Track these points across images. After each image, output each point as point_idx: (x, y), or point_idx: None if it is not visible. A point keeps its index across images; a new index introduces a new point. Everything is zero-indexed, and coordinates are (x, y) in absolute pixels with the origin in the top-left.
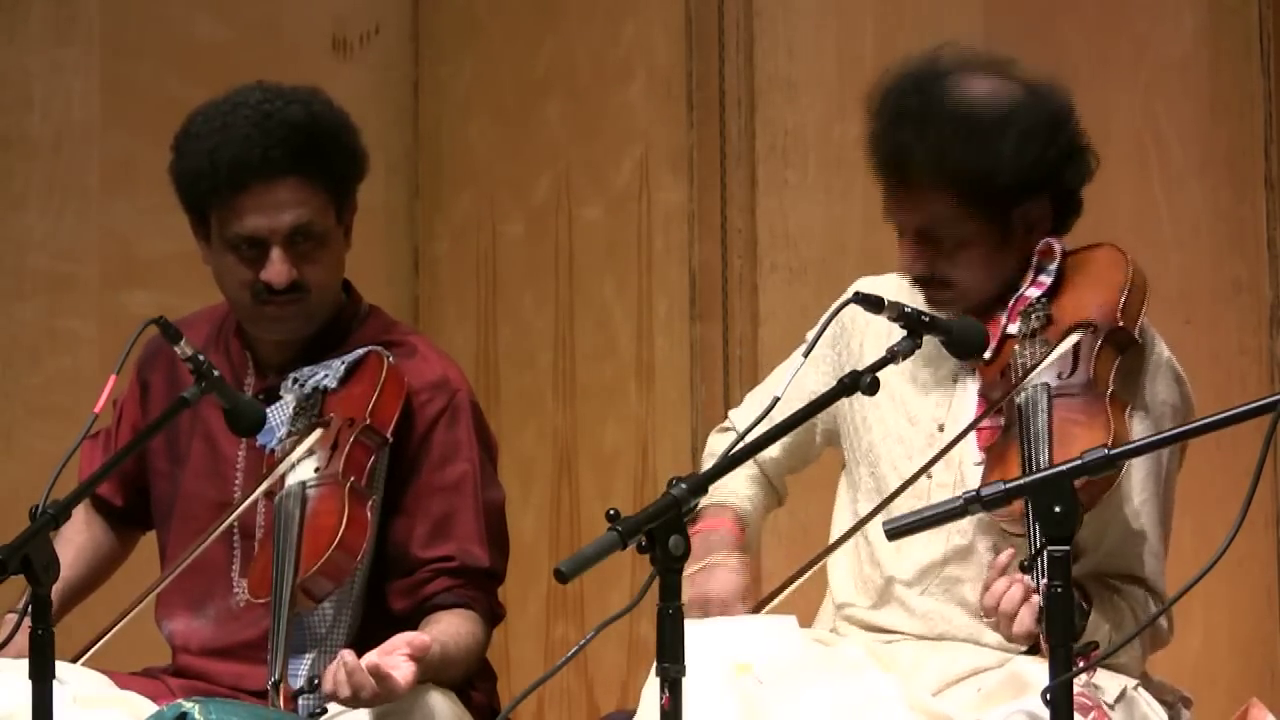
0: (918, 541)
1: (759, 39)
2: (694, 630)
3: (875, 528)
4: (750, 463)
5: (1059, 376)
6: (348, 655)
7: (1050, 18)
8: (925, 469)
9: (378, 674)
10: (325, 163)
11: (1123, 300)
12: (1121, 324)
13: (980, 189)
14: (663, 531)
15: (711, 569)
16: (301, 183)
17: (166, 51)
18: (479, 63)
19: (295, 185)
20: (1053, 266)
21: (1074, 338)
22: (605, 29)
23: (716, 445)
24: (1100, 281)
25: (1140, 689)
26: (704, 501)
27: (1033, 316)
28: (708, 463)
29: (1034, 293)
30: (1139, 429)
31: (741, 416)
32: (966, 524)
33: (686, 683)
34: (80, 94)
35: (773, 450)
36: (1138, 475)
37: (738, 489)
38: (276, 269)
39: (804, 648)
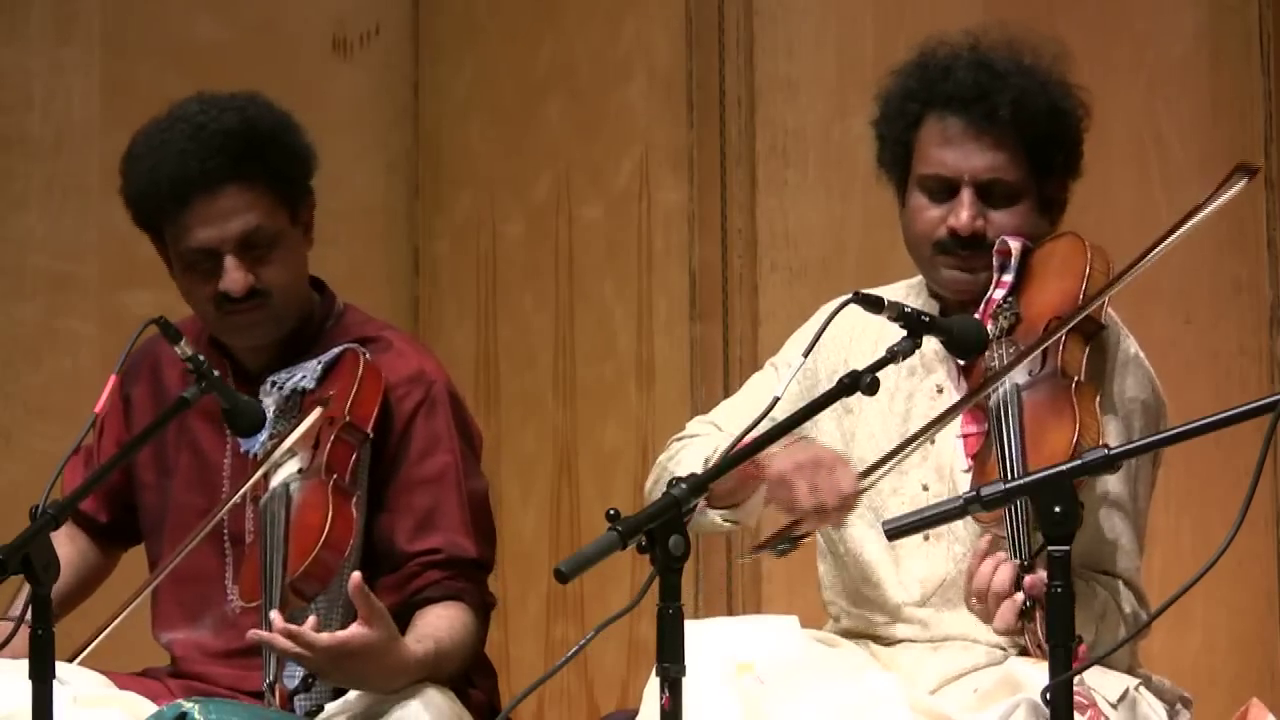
0: (918, 555)
1: (759, 39)
2: (696, 629)
3: (870, 549)
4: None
5: (1029, 374)
6: (251, 633)
7: (1050, 16)
8: (889, 458)
9: (286, 632)
10: (265, 165)
11: (1084, 286)
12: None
13: (1051, 138)
14: (663, 531)
15: (806, 442)
16: (244, 188)
17: (166, 51)
18: (479, 63)
19: (237, 192)
20: (1011, 264)
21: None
22: (605, 29)
23: (698, 444)
24: (1062, 272)
25: (1142, 689)
26: (723, 445)
27: (1001, 317)
28: (690, 450)
29: (999, 294)
30: (1110, 428)
31: (693, 430)
32: (965, 534)
33: (688, 681)
34: (80, 94)
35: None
36: (1111, 474)
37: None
38: (232, 277)
39: (805, 648)
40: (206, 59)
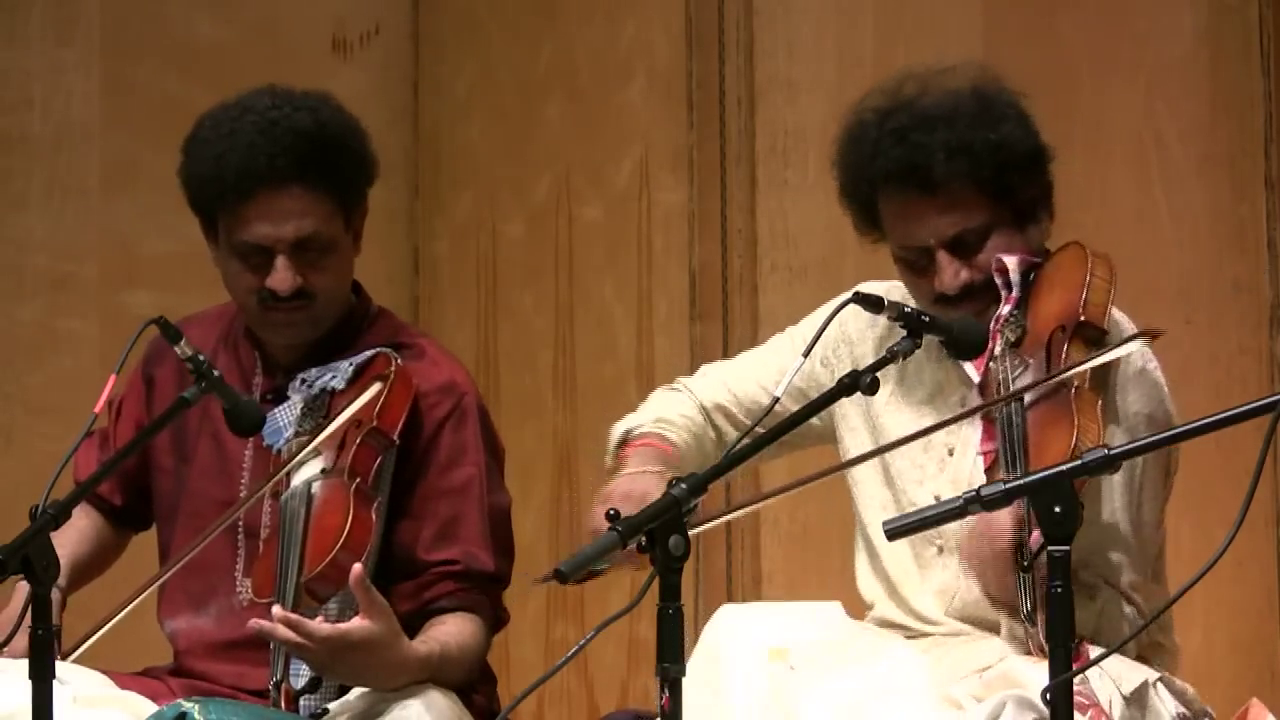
0: (935, 567)
1: (759, 39)
2: (736, 614)
3: (893, 562)
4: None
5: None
6: (253, 622)
7: (1050, 17)
8: (879, 452)
9: (287, 621)
10: (332, 170)
11: (1084, 295)
12: (1084, 317)
13: (1000, 169)
14: (663, 531)
15: (653, 476)
16: (307, 191)
17: (166, 51)
18: (479, 63)
19: (301, 193)
20: (1013, 279)
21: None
22: (605, 29)
23: (658, 399)
24: (1065, 282)
25: (1159, 685)
26: (646, 426)
27: (1008, 330)
28: (643, 411)
29: (1006, 309)
30: (1114, 440)
31: (694, 384)
32: None
33: (723, 664)
34: (80, 94)
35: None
36: (1107, 482)
37: (680, 423)
38: (281, 277)
39: (846, 633)
40: (206, 59)
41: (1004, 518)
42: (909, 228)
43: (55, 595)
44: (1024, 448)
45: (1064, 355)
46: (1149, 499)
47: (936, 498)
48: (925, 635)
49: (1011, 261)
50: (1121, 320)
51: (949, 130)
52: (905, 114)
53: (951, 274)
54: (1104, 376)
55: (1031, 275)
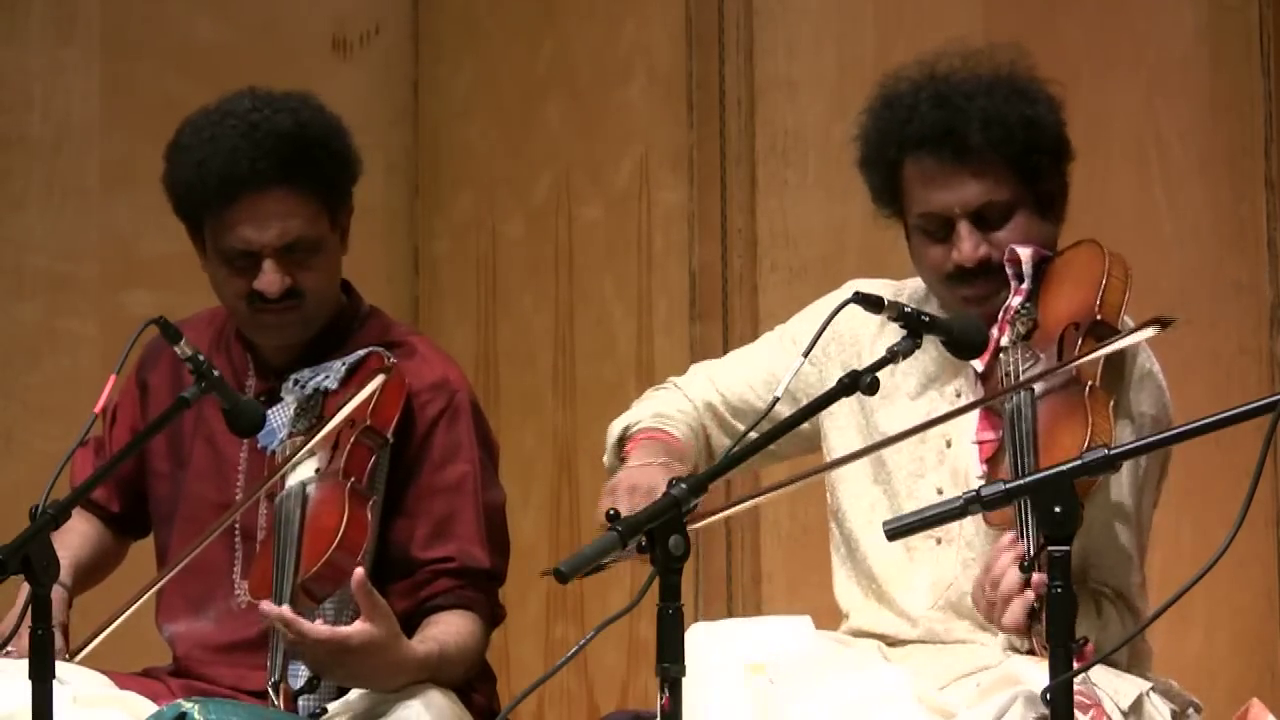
0: (929, 560)
1: (759, 39)
2: (709, 631)
3: (882, 561)
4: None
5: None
6: (263, 604)
7: (1050, 16)
8: (862, 452)
9: (283, 620)
10: (315, 171)
11: (1100, 293)
12: (1100, 316)
13: (1031, 148)
14: (663, 531)
15: (660, 467)
16: (291, 193)
17: (166, 51)
18: (479, 63)
19: (284, 196)
20: (1025, 270)
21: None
22: (605, 29)
23: (652, 397)
24: (1080, 279)
25: (1152, 694)
26: (645, 421)
27: (1018, 323)
28: (639, 408)
29: (1017, 300)
30: (1123, 438)
31: (685, 382)
32: (976, 539)
33: (701, 683)
34: (80, 94)
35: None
36: (1114, 484)
37: (679, 418)
38: (269, 279)
39: (817, 647)
40: (206, 59)
41: (1013, 585)
42: (936, 194)
43: (61, 593)
44: (1034, 443)
45: (1077, 355)
46: (1146, 504)
47: (939, 490)
48: (901, 644)
49: (1025, 253)
50: (1128, 322)
51: (987, 100)
52: (944, 83)
53: (971, 246)
54: (1118, 374)
55: (1043, 268)
